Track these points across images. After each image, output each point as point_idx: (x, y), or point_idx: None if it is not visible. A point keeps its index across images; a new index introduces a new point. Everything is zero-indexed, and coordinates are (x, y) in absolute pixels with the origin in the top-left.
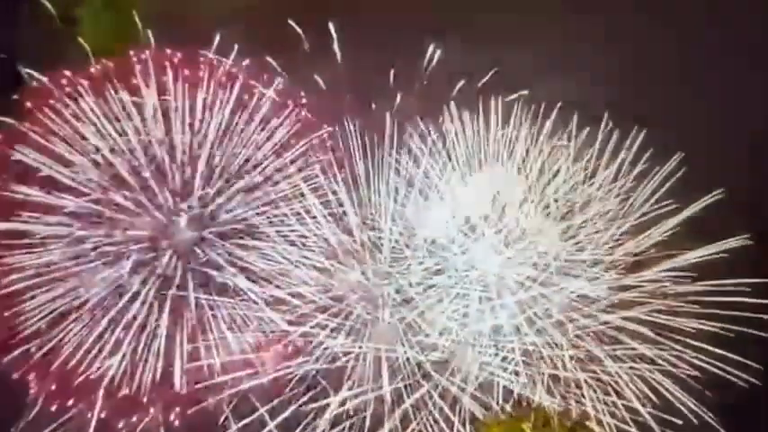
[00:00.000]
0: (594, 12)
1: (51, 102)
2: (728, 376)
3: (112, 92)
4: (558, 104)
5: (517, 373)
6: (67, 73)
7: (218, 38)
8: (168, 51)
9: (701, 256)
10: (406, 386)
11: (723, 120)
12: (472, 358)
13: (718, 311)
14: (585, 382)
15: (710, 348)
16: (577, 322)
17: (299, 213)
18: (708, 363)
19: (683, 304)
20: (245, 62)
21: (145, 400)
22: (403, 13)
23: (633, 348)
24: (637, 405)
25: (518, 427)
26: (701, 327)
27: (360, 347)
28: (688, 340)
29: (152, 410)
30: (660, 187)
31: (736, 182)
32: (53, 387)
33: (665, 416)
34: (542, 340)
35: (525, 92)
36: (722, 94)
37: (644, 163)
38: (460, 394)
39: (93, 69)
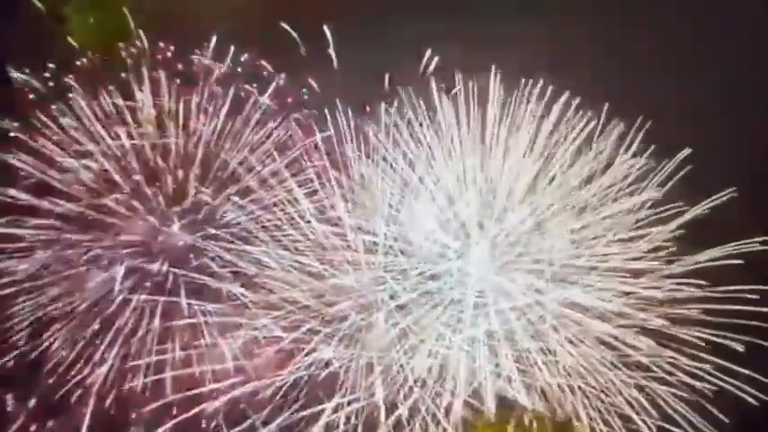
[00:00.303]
0: (599, 12)
1: (33, 98)
2: (726, 386)
3: (105, 95)
4: (558, 107)
5: (510, 379)
6: (51, 66)
7: (214, 39)
8: (161, 45)
9: (703, 262)
10: (398, 392)
11: (727, 120)
12: (465, 364)
13: (721, 320)
14: (579, 388)
15: (708, 357)
16: (572, 329)
17: (292, 218)
18: (707, 372)
19: (682, 311)
20: (242, 58)
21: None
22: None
23: (628, 356)
24: (629, 412)
25: (505, 428)
26: (699, 335)
27: (353, 354)
28: (684, 348)
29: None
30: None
31: (741, 182)
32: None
33: (664, 424)
34: (536, 346)
35: (524, 96)
36: (724, 93)
37: (642, 167)
38: (453, 400)
39: (78, 63)
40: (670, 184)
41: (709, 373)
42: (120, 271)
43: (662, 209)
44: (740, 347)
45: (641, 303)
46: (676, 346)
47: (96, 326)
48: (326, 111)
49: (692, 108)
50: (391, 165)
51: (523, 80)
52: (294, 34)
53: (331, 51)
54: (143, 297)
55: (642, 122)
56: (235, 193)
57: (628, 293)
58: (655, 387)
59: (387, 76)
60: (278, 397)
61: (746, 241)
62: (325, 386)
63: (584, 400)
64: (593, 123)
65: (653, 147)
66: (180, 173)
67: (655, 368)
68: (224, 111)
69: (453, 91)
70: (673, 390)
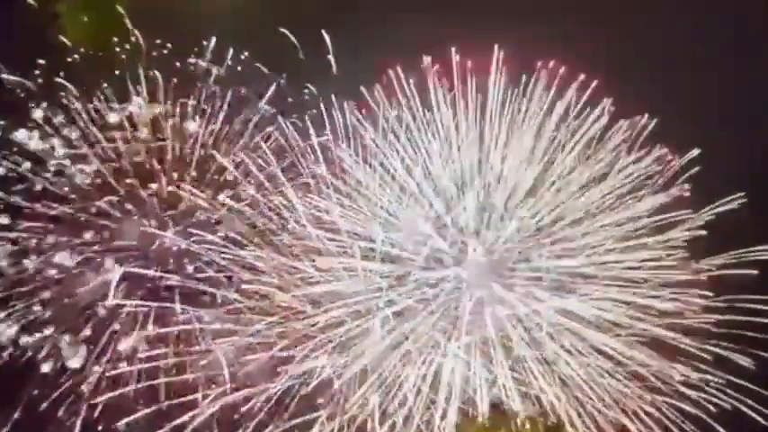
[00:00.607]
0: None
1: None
2: (731, 400)
3: (100, 95)
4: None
5: (504, 387)
6: (42, 62)
7: (213, 40)
8: (158, 41)
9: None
10: (393, 399)
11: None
12: (460, 371)
13: (723, 330)
14: (576, 398)
15: (707, 368)
16: (569, 338)
17: (288, 223)
18: (708, 384)
19: (683, 321)
20: (242, 56)
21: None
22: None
23: (626, 365)
24: (625, 421)
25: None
26: (701, 346)
27: (347, 361)
28: (686, 360)
29: None
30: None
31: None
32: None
33: None
34: (532, 354)
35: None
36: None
37: (642, 174)
38: (448, 407)
39: (70, 59)
40: (674, 189)
41: (711, 385)
42: (114, 275)
43: (663, 216)
44: (747, 362)
45: (640, 313)
46: (677, 357)
47: (88, 331)
48: (324, 115)
49: (692, 110)
50: (388, 170)
51: (524, 77)
52: (292, 37)
53: (330, 58)
54: (137, 302)
55: (645, 125)
56: (231, 197)
57: (627, 303)
58: (653, 398)
59: (384, 80)
60: (271, 404)
61: (752, 249)
62: (318, 393)
63: (578, 409)
64: (593, 128)
65: (658, 148)
66: (175, 176)
67: (653, 378)
68: (222, 113)
69: (452, 93)
70: (671, 401)
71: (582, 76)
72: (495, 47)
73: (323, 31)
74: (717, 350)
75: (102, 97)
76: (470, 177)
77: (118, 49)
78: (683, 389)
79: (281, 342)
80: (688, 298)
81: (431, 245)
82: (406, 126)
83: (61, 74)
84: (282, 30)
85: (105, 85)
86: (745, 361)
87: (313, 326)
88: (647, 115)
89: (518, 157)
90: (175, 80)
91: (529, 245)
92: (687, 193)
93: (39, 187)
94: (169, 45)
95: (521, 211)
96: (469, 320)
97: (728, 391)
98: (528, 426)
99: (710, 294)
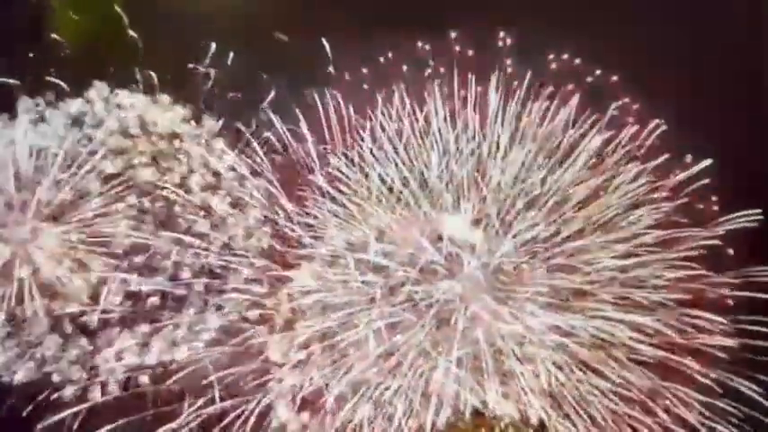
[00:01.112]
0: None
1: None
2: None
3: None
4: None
5: (494, 401)
6: (31, 55)
7: (213, 47)
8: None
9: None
10: (382, 410)
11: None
12: (450, 384)
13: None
14: (567, 416)
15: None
16: (561, 354)
17: (282, 231)
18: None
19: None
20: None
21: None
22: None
23: (619, 385)
24: None
25: None
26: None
27: (338, 371)
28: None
29: None
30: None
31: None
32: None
33: None
34: (523, 369)
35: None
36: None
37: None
38: (437, 419)
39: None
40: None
41: (714, 410)
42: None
43: (667, 232)
44: (754, 390)
45: (636, 332)
46: (675, 379)
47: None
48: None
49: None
50: (384, 180)
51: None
52: (285, 38)
53: (330, 69)
54: (127, 308)
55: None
56: (225, 204)
57: (623, 321)
58: (647, 419)
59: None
60: (257, 414)
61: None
62: (308, 403)
63: (569, 427)
64: (596, 139)
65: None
66: (168, 180)
67: (646, 399)
68: (219, 117)
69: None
70: (665, 424)
71: (598, 70)
72: (500, 42)
73: (323, 40)
74: (722, 374)
75: (94, 95)
76: (467, 189)
77: (113, 46)
78: (678, 411)
79: (272, 351)
80: (690, 319)
81: (425, 257)
82: (407, 139)
83: (52, 71)
84: (280, 36)
85: (99, 82)
86: (751, 389)
87: (303, 336)
88: (656, 121)
89: (517, 168)
90: (170, 77)
91: (525, 259)
92: (716, 207)
93: None
94: (167, 43)
95: (518, 224)
96: (462, 333)
97: (733, 419)
98: (511, 430)
99: (716, 318)
